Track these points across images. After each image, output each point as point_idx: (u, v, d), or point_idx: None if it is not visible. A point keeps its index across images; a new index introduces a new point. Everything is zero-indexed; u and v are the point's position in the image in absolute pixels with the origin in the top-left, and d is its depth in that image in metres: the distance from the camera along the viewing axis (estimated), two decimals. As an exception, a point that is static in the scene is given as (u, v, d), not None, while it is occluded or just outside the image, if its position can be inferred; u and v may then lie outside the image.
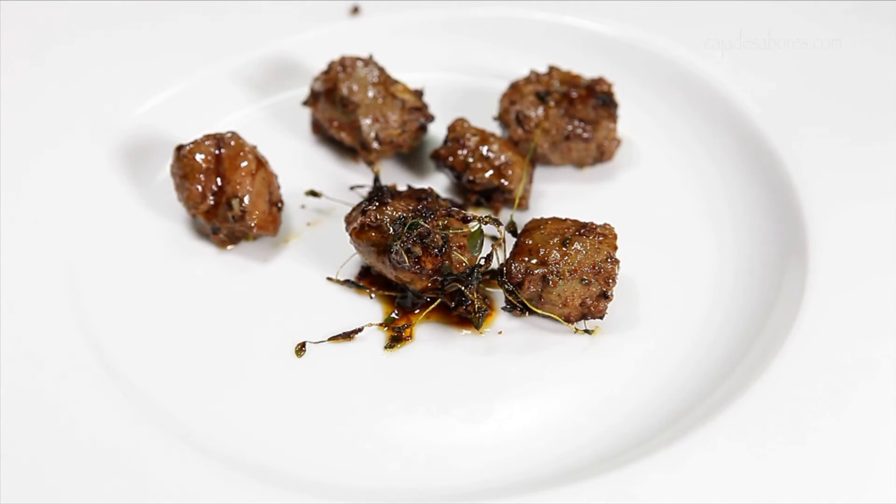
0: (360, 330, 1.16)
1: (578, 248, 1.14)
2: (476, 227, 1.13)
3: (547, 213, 1.24)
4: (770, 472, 1.01)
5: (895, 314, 1.14)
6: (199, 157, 1.21)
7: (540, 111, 1.29)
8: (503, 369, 1.12)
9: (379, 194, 1.17)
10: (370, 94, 1.30)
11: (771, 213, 1.28)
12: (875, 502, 0.99)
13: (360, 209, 1.17)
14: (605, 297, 1.14)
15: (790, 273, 1.20)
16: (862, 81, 1.39)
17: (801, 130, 1.33)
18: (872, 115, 1.35)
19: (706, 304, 1.20)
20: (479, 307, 1.13)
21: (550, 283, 1.13)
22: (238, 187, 1.20)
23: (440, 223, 1.14)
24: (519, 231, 1.19)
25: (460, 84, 1.44)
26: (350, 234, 1.17)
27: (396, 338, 1.16)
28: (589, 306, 1.14)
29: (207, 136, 1.22)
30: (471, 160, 1.24)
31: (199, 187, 1.21)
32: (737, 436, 1.04)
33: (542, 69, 1.35)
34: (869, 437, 1.04)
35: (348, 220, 1.18)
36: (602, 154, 1.30)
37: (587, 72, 1.36)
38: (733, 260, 1.24)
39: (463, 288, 1.12)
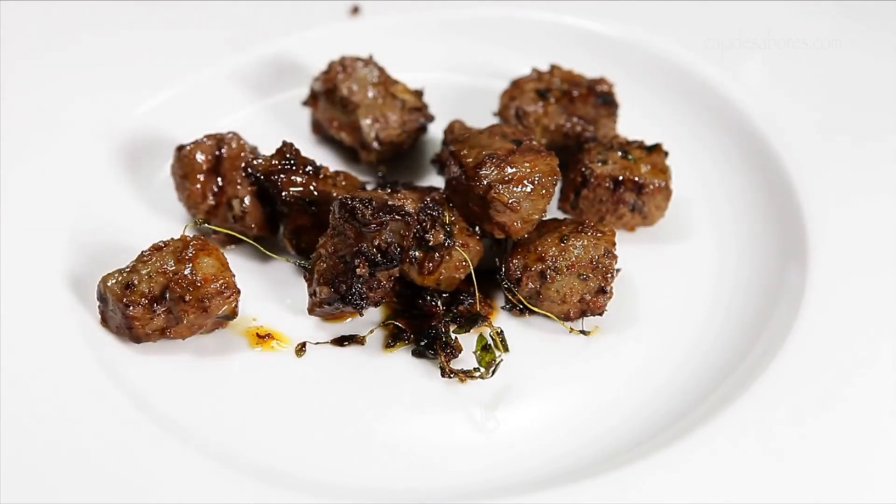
0: (361, 341, 1.15)
1: (576, 244, 1.14)
2: (485, 340, 1.13)
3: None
4: (770, 472, 1.01)
5: (895, 313, 1.14)
6: (199, 157, 1.21)
7: (539, 107, 1.29)
8: (503, 369, 1.12)
9: (386, 185, 1.18)
10: (370, 94, 1.30)
11: (771, 213, 1.28)
12: (876, 502, 0.99)
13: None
14: (603, 292, 1.14)
15: (790, 273, 1.20)
16: (861, 81, 1.39)
17: (800, 130, 1.33)
18: (872, 114, 1.35)
19: (706, 304, 1.20)
20: (489, 360, 1.13)
21: (549, 278, 1.13)
22: (238, 188, 1.20)
23: (447, 218, 1.15)
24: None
25: (460, 84, 1.44)
26: None
27: (396, 337, 1.16)
28: (588, 302, 1.14)
29: (208, 136, 1.22)
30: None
31: (200, 187, 1.21)
32: (737, 436, 1.04)
33: (545, 68, 1.36)
34: (869, 436, 1.04)
35: None
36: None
37: (587, 72, 1.36)
38: (733, 260, 1.24)
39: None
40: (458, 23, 1.49)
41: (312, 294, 1.13)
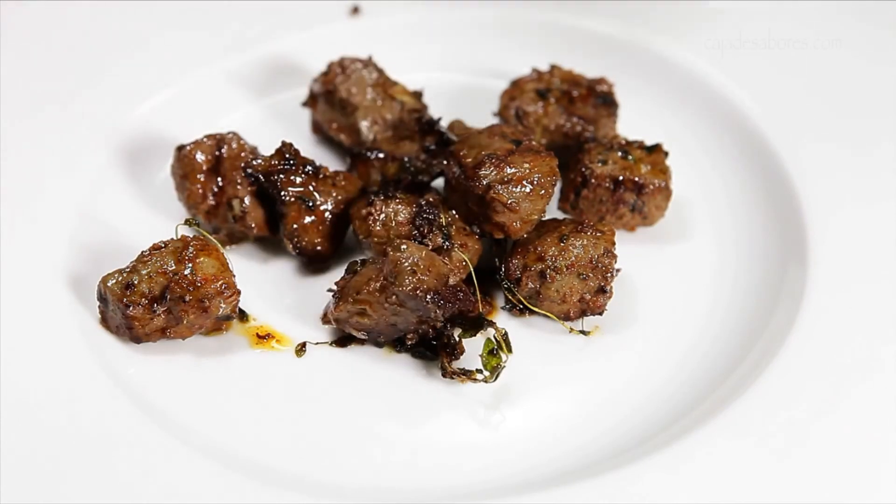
0: (361, 341, 1.15)
1: (576, 243, 1.14)
2: (489, 339, 1.12)
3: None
4: (770, 472, 1.01)
5: (895, 315, 1.14)
6: (199, 157, 1.21)
7: (539, 107, 1.29)
8: (503, 369, 1.12)
9: (386, 188, 1.18)
10: (369, 95, 1.30)
11: (771, 214, 1.28)
12: (876, 503, 0.99)
13: (366, 200, 1.17)
14: (603, 292, 1.14)
15: (790, 273, 1.20)
16: (862, 82, 1.39)
17: (800, 130, 1.33)
18: (873, 115, 1.35)
19: (706, 304, 1.20)
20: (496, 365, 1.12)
21: (548, 278, 1.13)
22: (238, 188, 1.20)
23: (443, 220, 1.15)
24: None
25: (460, 84, 1.44)
26: (353, 222, 1.18)
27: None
28: (587, 302, 1.15)
29: (208, 136, 1.22)
30: None
31: (200, 187, 1.21)
32: (736, 436, 1.04)
33: (545, 68, 1.36)
34: (869, 437, 1.03)
35: (353, 212, 1.18)
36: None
37: (587, 72, 1.36)
38: (733, 260, 1.24)
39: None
40: (458, 23, 1.49)
41: (335, 312, 1.12)
